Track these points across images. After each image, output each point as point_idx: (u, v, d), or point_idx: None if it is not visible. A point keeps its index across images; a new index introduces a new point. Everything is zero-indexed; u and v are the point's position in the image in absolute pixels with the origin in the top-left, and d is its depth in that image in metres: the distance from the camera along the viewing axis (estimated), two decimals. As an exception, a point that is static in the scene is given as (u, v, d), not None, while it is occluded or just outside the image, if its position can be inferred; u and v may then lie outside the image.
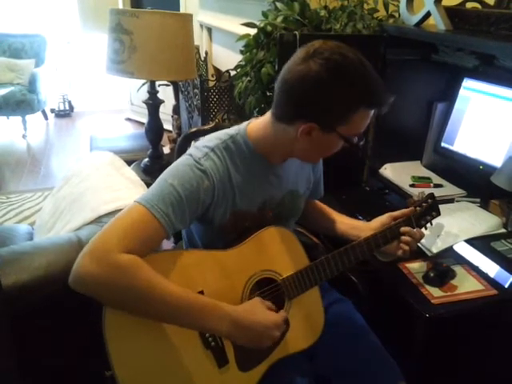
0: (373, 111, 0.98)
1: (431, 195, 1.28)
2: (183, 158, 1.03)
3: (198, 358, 1.00)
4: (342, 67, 0.92)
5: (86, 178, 1.64)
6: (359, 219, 1.47)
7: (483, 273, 1.26)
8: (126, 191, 1.48)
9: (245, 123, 1.10)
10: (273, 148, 1.07)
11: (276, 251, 1.11)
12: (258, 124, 1.08)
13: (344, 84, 0.92)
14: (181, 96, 3.37)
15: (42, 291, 1.05)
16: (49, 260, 1.09)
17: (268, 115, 1.06)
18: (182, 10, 4.16)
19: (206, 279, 1.02)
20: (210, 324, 0.94)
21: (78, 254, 0.90)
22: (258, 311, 0.99)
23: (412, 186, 1.70)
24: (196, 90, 2.80)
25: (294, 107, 0.97)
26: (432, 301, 1.15)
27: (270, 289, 1.10)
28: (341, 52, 0.92)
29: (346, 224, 1.30)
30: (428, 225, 1.26)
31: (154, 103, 2.57)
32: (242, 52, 1.85)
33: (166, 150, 3.38)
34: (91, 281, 0.88)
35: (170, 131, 3.76)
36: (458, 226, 1.42)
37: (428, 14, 1.50)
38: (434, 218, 1.27)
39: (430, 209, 1.25)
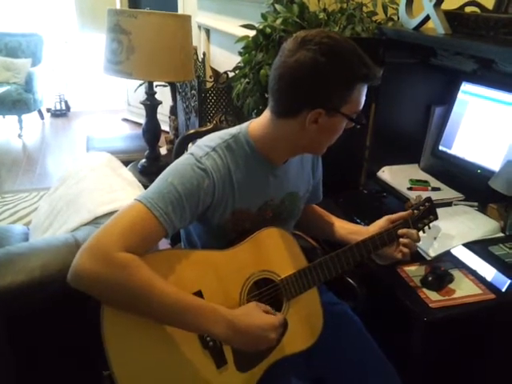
0: (366, 86, 1.00)
1: (428, 199, 1.29)
2: (184, 157, 1.03)
3: (196, 358, 0.99)
4: (335, 48, 0.94)
5: (83, 178, 1.63)
6: (357, 222, 1.47)
7: (481, 277, 1.26)
8: (122, 192, 1.48)
9: (246, 123, 1.10)
10: (275, 147, 1.07)
11: (274, 252, 1.11)
12: (259, 123, 1.07)
13: (341, 63, 0.94)
14: (178, 97, 3.36)
15: (38, 293, 1.04)
16: (45, 261, 1.08)
17: (267, 115, 1.05)
18: (179, 11, 4.16)
19: (204, 279, 1.02)
20: (206, 326, 0.94)
21: (75, 255, 0.89)
22: (255, 314, 0.99)
23: (410, 189, 1.70)
24: (193, 91, 2.80)
25: (297, 98, 0.98)
26: (430, 304, 1.15)
27: (268, 289, 1.09)
28: (328, 35, 0.95)
29: (345, 229, 1.30)
30: (426, 228, 1.26)
31: (151, 104, 2.56)
32: (240, 54, 1.85)
33: (163, 150, 3.38)
34: (89, 278, 0.88)
35: (167, 132, 3.76)
36: (455, 230, 1.42)
37: (427, 18, 1.50)
38: (431, 221, 1.28)
39: (427, 212, 1.26)
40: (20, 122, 4.71)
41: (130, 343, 0.94)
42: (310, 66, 0.93)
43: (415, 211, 1.25)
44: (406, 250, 1.17)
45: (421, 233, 1.25)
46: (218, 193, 1.02)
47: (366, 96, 1.03)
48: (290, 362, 1.11)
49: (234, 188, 1.05)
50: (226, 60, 2.84)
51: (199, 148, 1.04)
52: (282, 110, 1.01)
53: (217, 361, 1.02)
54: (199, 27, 3.50)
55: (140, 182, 1.66)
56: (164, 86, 3.27)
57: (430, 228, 1.28)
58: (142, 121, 2.66)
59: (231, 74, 2.38)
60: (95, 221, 1.32)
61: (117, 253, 0.88)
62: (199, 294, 1.00)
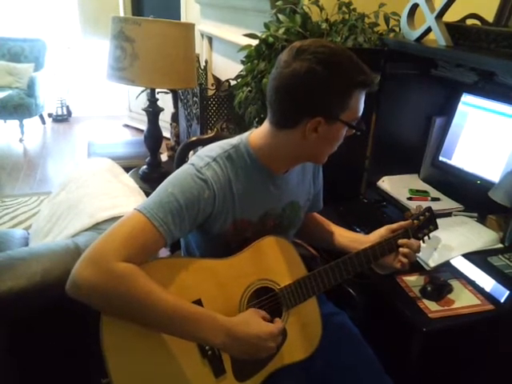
0: (365, 92, 1.00)
1: (428, 208, 1.29)
2: (185, 167, 1.03)
3: (194, 367, 0.99)
4: (331, 56, 0.95)
5: (84, 184, 1.63)
6: (357, 231, 1.47)
7: (480, 287, 1.26)
8: (123, 198, 1.48)
9: (247, 133, 1.11)
10: (276, 157, 1.07)
11: (274, 261, 1.11)
12: (259, 133, 1.08)
13: (337, 71, 0.95)
14: (180, 104, 3.37)
15: (38, 298, 1.05)
16: (45, 266, 1.09)
17: (266, 126, 1.06)
18: (182, 19, 4.19)
19: (204, 287, 1.02)
20: (204, 335, 0.94)
21: (76, 260, 0.90)
22: (253, 322, 0.98)
23: (409, 199, 1.71)
24: (195, 99, 2.81)
25: (296, 108, 0.98)
26: (429, 315, 1.15)
27: (267, 298, 1.09)
28: (322, 44, 0.96)
29: (345, 237, 1.31)
30: (426, 238, 1.27)
31: (153, 111, 2.57)
32: (243, 62, 1.86)
33: (164, 157, 3.38)
34: (87, 288, 0.88)
35: (168, 139, 3.77)
36: (455, 241, 1.42)
37: (428, 30, 1.51)
38: (431, 231, 1.28)
39: (427, 222, 1.26)
40: (21, 126, 4.72)
41: (129, 352, 0.94)
42: (306, 75, 0.94)
43: (415, 221, 1.25)
44: (405, 260, 1.18)
45: (421, 243, 1.25)
46: (218, 203, 1.02)
47: (367, 106, 1.04)
48: (289, 372, 1.11)
49: (234, 198, 1.05)
50: (228, 68, 2.86)
51: (200, 158, 1.04)
52: (281, 120, 1.01)
53: (215, 370, 1.01)
54: (202, 35, 3.52)
55: (141, 188, 1.67)
56: (166, 92, 3.28)
57: (429, 238, 1.28)
58: (144, 127, 2.67)
59: (233, 82, 2.40)
60: (96, 226, 1.32)
61: (116, 263, 0.88)
62: (199, 302, 1.00)
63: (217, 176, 1.02)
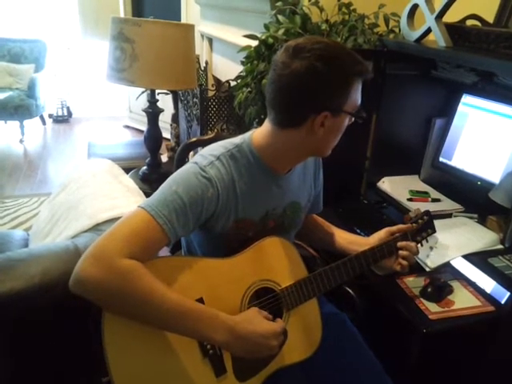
0: (361, 81, 1.02)
1: (427, 212, 1.30)
2: (188, 166, 1.03)
3: (195, 367, 0.99)
4: (328, 51, 0.96)
5: (84, 184, 1.63)
6: (356, 232, 1.47)
7: (480, 289, 1.26)
8: (123, 199, 1.48)
9: (249, 132, 1.11)
10: (280, 157, 1.08)
11: (276, 261, 1.11)
12: (262, 133, 1.08)
13: (337, 65, 0.96)
14: (180, 105, 3.38)
15: (38, 299, 1.05)
16: (45, 268, 1.09)
17: (268, 126, 1.06)
18: (183, 20, 4.19)
19: (206, 286, 1.02)
20: (207, 332, 0.94)
21: (75, 261, 0.90)
22: (256, 321, 0.99)
23: (410, 200, 1.70)
24: (195, 100, 2.81)
25: (302, 107, 0.99)
26: (429, 316, 1.15)
27: (268, 299, 1.09)
28: (317, 41, 0.97)
29: (344, 239, 1.31)
30: (424, 241, 1.27)
31: (153, 112, 2.57)
32: (242, 63, 1.86)
33: (164, 158, 3.38)
34: (91, 284, 0.88)
35: (168, 139, 3.77)
36: (455, 242, 1.42)
37: (428, 30, 1.51)
38: (429, 234, 1.29)
39: (425, 225, 1.27)
40: (22, 127, 4.72)
41: (130, 350, 0.94)
42: (308, 73, 0.94)
43: (414, 224, 1.26)
44: (404, 262, 1.19)
45: (419, 246, 1.25)
46: (221, 202, 1.02)
47: (367, 107, 1.04)
48: (290, 372, 1.11)
49: (237, 197, 1.05)
50: (228, 69, 2.86)
51: (203, 157, 1.05)
52: (285, 121, 1.02)
53: (216, 369, 1.01)
54: (202, 36, 3.52)
55: (141, 189, 1.67)
56: (166, 93, 3.28)
57: (427, 242, 1.29)
58: (144, 128, 2.67)
59: (233, 83, 2.40)
60: (96, 227, 1.32)
61: (120, 259, 0.88)
62: (200, 301, 1.00)
63: (220, 175, 1.02)
